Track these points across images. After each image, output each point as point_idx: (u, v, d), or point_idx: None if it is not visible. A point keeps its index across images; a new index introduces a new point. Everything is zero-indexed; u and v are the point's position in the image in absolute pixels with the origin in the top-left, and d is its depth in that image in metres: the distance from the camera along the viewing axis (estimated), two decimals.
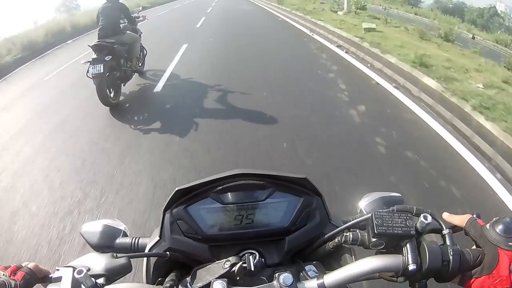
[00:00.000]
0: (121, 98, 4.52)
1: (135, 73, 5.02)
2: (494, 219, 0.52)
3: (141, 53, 5.33)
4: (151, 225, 2.20)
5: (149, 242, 0.65)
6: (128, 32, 4.74)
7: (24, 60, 7.50)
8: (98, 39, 4.29)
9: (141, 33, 5.30)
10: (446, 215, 0.58)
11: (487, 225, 0.52)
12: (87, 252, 0.63)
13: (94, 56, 3.94)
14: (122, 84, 4.53)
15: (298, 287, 0.53)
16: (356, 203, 0.71)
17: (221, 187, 0.63)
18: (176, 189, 0.62)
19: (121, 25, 4.66)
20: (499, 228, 0.49)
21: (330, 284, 0.53)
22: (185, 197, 0.64)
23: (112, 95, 4.22)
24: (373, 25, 8.66)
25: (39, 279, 0.55)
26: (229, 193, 0.64)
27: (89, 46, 4.10)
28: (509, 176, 2.79)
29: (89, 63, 3.91)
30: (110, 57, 3.99)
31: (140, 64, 5.26)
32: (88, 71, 3.89)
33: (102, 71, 3.84)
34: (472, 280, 0.50)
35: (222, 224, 0.64)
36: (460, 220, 0.56)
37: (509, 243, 0.48)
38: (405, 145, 3.21)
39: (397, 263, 0.51)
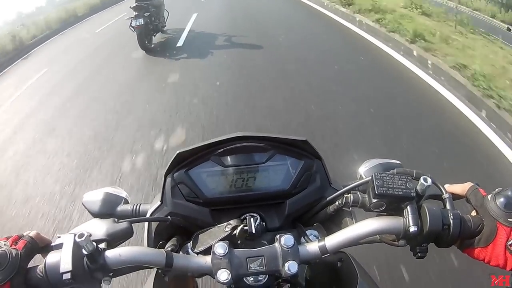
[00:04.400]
0: (152, 45, 6.37)
1: (160, 31, 6.84)
2: (496, 190, 0.51)
3: (165, 15, 7.10)
4: None
5: (151, 207, 0.67)
6: None
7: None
8: (135, 2, 6.08)
9: None
10: (447, 186, 0.57)
11: (489, 196, 0.51)
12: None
13: (135, 13, 5.76)
14: (153, 35, 6.39)
15: (299, 249, 0.54)
16: (355, 168, 0.72)
17: (222, 150, 0.64)
18: (178, 152, 0.63)
19: None
20: (500, 201, 0.49)
21: (332, 246, 0.54)
22: (186, 160, 0.65)
23: (147, 41, 6.09)
24: None
25: (41, 248, 0.54)
26: (230, 155, 0.65)
27: (131, 7, 5.93)
28: None
29: (131, 18, 5.76)
30: (148, 13, 5.85)
31: (164, 23, 7.05)
32: (131, 24, 5.76)
33: (142, 23, 5.69)
34: (470, 248, 0.51)
35: (223, 187, 0.65)
36: (461, 188, 0.56)
37: (509, 219, 0.47)
38: None
39: (398, 225, 0.52)
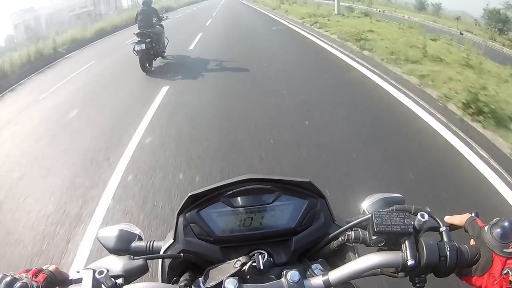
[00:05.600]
0: (153, 68, 6.89)
1: (160, 56, 7.40)
2: (494, 220, 0.54)
3: (165, 42, 7.70)
4: None
5: (164, 244, 0.70)
6: (157, 26, 7.14)
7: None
8: (138, 29, 6.68)
9: (164, 28, 7.68)
10: (447, 218, 0.60)
11: (486, 228, 0.53)
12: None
13: (138, 39, 6.32)
14: (153, 59, 6.93)
15: (304, 284, 0.56)
16: (358, 204, 0.75)
17: (231, 192, 0.68)
18: (189, 194, 0.67)
19: (153, 21, 7.06)
20: (496, 232, 0.51)
21: (335, 280, 0.57)
22: (197, 201, 0.69)
23: (147, 65, 6.61)
24: None
25: (60, 282, 0.57)
26: (238, 197, 0.68)
27: (134, 33, 6.51)
28: None
29: (134, 43, 6.31)
30: (149, 39, 6.41)
31: (164, 49, 7.63)
32: (134, 48, 6.30)
33: (144, 48, 6.24)
34: (467, 276, 0.54)
35: (233, 226, 0.68)
36: (460, 219, 0.59)
37: (504, 250, 0.49)
38: None
39: (396, 259, 0.55)
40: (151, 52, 6.74)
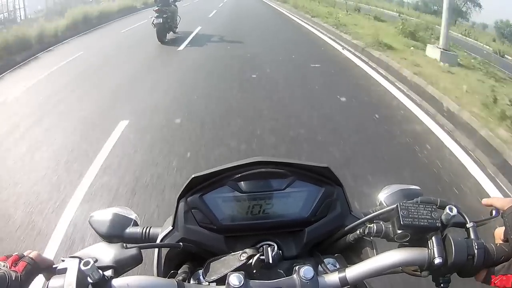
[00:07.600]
0: (166, 39, 8.51)
1: (172, 31, 9.01)
2: None
3: (177, 20, 9.30)
4: None
5: (161, 232, 0.65)
6: (173, 5, 8.76)
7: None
8: (157, 6, 8.27)
9: (177, 7, 9.25)
10: (485, 200, 0.56)
11: None
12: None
13: (157, 14, 7.96)
14: (168, 32, 8.59)
15: (319, 281, 0.52)
16: (375, 195, 0.71)
17: (239, 175, 0.62)
18: (193, 176, 0.61)
19: (170, 1, 8.65)
20: None
21: (352, 278, 0.52)
22: (201, 185, 0.63)
23: (163, 36, 8.24)
24: None
25: (42, 270, 0.53)
26: (247, 181, 0.63)
27: (154, 10, 8.13)
28: None
29: (154, 17, 7.96)
30: (166, 15, 8.05)
31: (177, 25, 9.24)
32: (153, 22, 7.96)
33: (161, 22, 7.90)
34: (495, 276, 0.49)
35: (239, 214, 0.63)
36: (502, 202, 0.54)
37: None
38: None
39: (422, 257, 0.51)
40: (166, 26, 8.39)
